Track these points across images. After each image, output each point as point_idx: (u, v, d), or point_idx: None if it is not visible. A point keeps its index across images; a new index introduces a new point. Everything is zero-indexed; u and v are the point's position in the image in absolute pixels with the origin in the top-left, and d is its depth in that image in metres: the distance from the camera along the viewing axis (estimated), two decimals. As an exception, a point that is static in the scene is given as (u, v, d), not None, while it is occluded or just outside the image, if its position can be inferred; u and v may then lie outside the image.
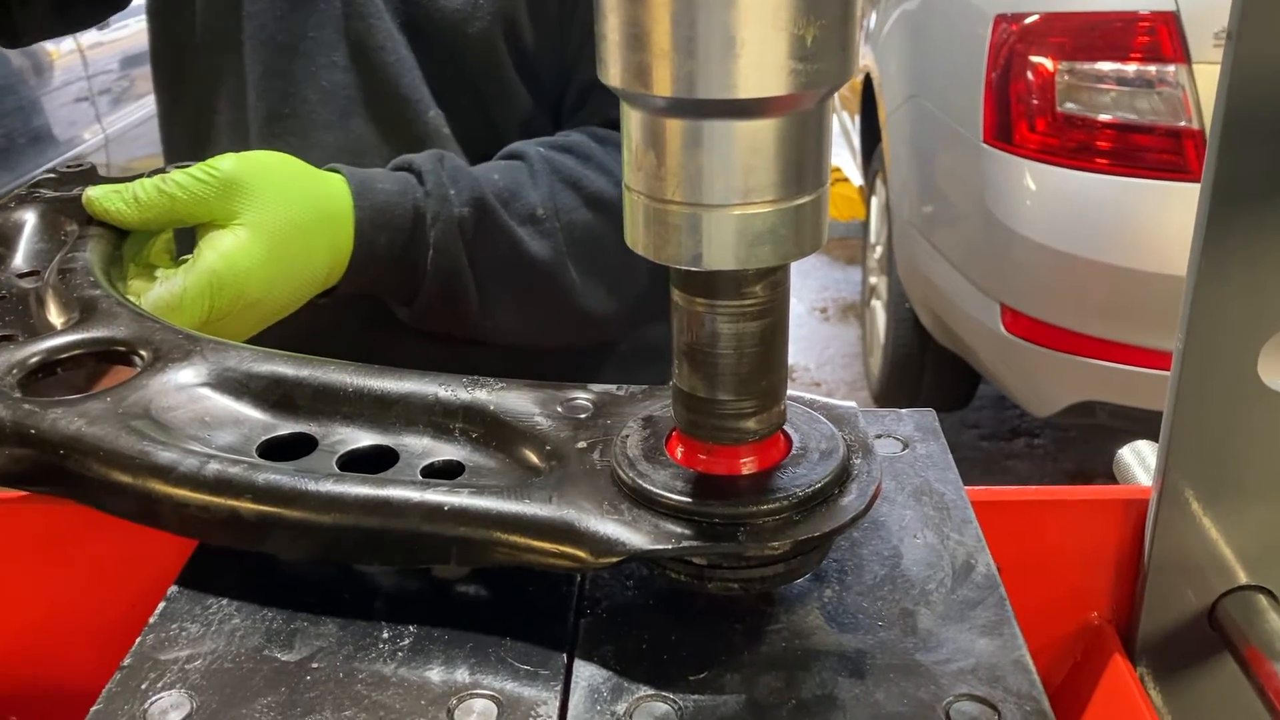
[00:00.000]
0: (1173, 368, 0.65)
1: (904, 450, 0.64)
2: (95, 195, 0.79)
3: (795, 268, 0.51)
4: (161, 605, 0.54)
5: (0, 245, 0.78)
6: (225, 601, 0.54)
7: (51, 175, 0.91)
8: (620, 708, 0.47)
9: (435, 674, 0.49)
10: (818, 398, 0.57)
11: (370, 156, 0.99)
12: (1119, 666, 0.67)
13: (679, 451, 0.52)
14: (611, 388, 0.58)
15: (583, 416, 0.56)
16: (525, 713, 0.47)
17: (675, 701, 0.47)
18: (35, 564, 0.72)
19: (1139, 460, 0.81)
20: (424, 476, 0.55)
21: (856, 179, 5.05)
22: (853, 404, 0.57)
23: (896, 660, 0.49)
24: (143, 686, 0.49)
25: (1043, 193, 2.53)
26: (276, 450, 0.57)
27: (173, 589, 0.55)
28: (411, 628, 0.52)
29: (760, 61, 0.40)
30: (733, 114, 0.41)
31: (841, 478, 0.51)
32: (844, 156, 5.37)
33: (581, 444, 0.54)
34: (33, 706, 0.73)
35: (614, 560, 0.48)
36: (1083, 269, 2.47)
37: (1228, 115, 0.59)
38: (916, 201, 3.19)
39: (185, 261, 0.78)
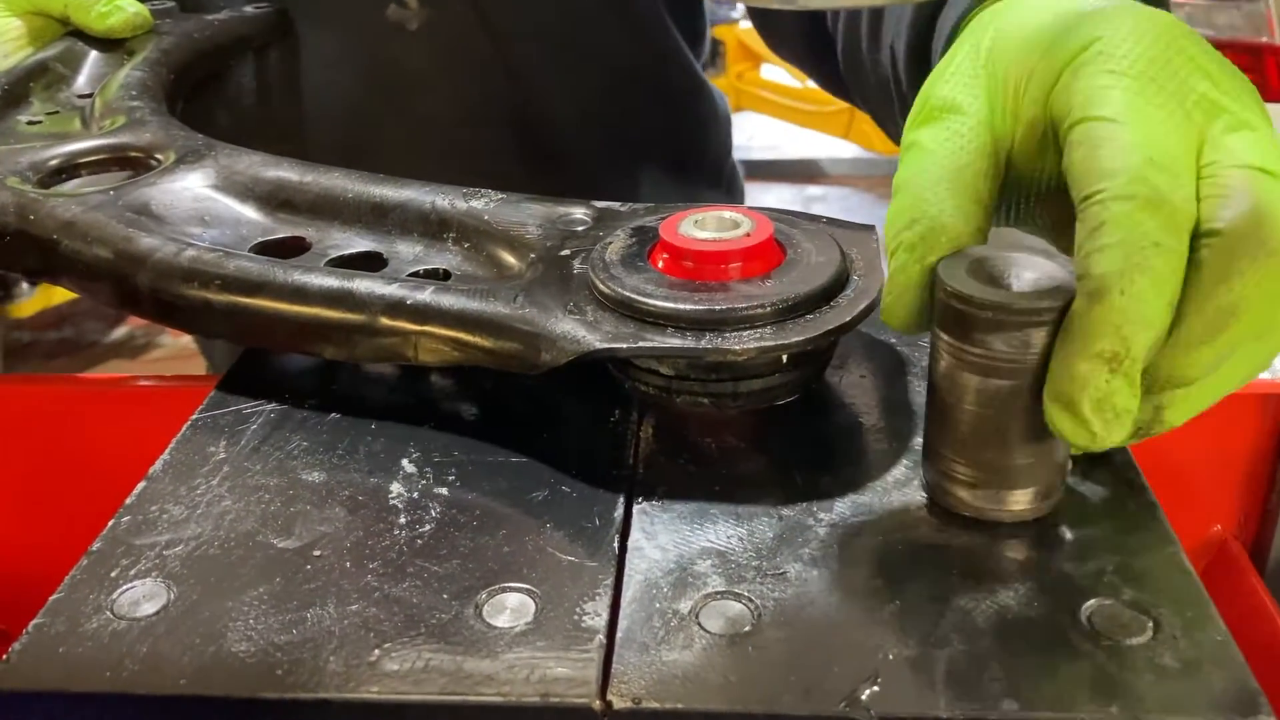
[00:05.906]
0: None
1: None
2: None
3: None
4: (141, 485, 0.46)
5: (67, 68, 0.80)
6: (215, 482, 0.46)
7: None
8: (684, 606, 0.38)
9: (460, 564, 0.41)
10: (836, 218, 0.53)
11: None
12: (1252, 588, 0.58)
13: (661, 260, 0.48)
14: (616, 204, 0.55)
15: (579, 229, 0.53)
16: (569, 610, 0.38)
17: (751, 600, 0.39)
18: (15, 451, 0.66)
19: (1262, 361, 0.72)
20: None
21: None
22: (873, 224, 0.51)
23: (1021, 558, 0.40)
24: (113, 574, 0.41)
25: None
26: (269, 251, 0.56)
27: (155, 468, 0.47)
28: (434, 511, 0.44)
29: None
30: None
31: (831, 292, 0.46)
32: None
33: (566, 251, 0.51)
34: (18, 613, 0.66)
35: (567, 359, 0.44)
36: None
37: None
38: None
39: None
